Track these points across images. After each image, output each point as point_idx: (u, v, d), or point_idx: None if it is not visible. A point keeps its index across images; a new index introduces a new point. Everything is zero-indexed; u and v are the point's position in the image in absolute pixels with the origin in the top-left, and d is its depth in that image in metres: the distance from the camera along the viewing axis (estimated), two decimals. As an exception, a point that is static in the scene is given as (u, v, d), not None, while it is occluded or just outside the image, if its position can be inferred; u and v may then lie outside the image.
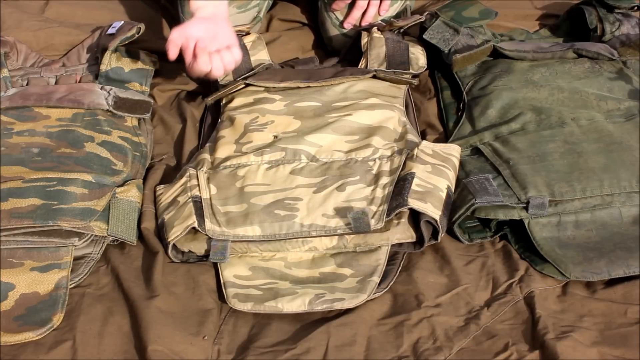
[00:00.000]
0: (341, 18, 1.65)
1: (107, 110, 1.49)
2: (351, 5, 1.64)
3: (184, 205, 1.30)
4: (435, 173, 1.31)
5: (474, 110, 1.48)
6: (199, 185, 1.33)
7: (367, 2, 1.62)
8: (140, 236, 1.32)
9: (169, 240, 1.27)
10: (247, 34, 1.63)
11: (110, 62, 1.57)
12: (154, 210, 1.34)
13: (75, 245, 1.27)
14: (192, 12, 1.48)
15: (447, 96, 1.57)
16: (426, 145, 1.36)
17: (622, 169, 1.33)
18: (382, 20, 1.63)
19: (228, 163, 1.38)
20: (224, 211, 1.30)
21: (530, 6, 1.79)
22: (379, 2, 1.62)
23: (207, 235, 1.27)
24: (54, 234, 1.27)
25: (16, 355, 1.15)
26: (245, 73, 1.55)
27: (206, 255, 1.27)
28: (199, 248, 1.29)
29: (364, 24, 1.64)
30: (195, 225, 1.26)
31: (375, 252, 1.26)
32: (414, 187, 1.27)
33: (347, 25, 1.65)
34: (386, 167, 1.33)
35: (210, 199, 1.31)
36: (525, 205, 1.28)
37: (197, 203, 1.30)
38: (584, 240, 1.28)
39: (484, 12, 1.60)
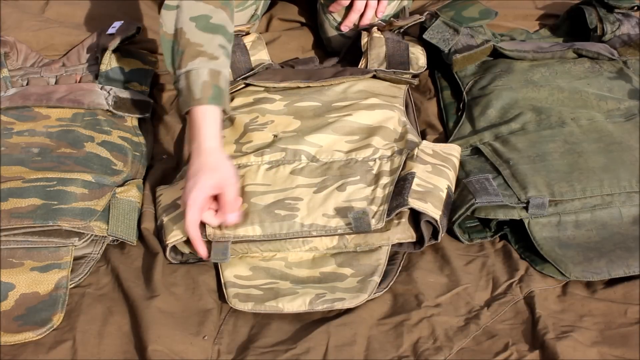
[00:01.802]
0: (339, 19, 1.65)
1: (107, 110, 1.49)
2: (348, 8, 1.63)
3: (184, 209, 1.30)
4: (436, 173, 1.31)
5: (474, 110, 1.48)
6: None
7: (364, 4, 1.62)
8: (141, 236, 1.32)
9: (167, 242, 1.27)
10: (247, 34, 1.63)
11: (110, 62, 1.57)
12: (154, 211, 1.34)
13: (75, 245, 1.27)
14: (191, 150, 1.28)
15: (447, 96, 1.57)
16: (426, 145, 1.36)
17: (622, 169, 1.33)
18: (382, 20, 1.63)
19: (228, 163, 1.38)
20: (225, 212, 1.29)
21: (531, 6, 1.79)
22: (376, 4, 1.62)
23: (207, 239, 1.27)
24: (54, 234, 1.27)
25: (16, 355, 1.15)
26: (245, 73, 1.55)
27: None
28: (200, 249, 1.29)
29: (361, 26, 1.64)
30: None
31: (376, 252, 1.26)
32: (414, 187, 1.27)
33: (345, 28, 1.65)
34: (386, 167, 1.33)
35: None
36: (525, 205, 1.28)
37: None
38: (584, 240, 1.28)
39: (484, 12, 1.60)
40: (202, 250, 1.25)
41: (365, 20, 1.63)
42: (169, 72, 1.34)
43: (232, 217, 1.25)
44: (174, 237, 1.27)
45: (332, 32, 1.68)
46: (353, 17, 1.63)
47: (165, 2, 1.35)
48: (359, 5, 1.62)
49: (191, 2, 1.33)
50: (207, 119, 1.28)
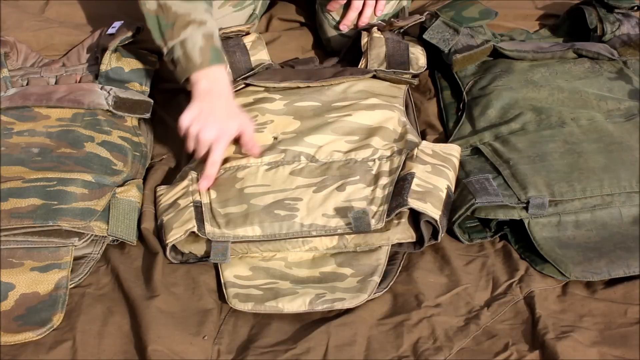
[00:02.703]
0: (338, 19, 1.65)
1: (107, 110, 1.48)
2: (347, 7, 1.63)
3: (184, 208, 1.30)
4: (435, 173, 1.31)
5: (474, 110, 1.48)
6: (199, 189, 1.33)
7: (362, 3, 1.62)
8: (140, 236, 1.32)
9: (167, 242, 1.27)
10: (247, 34, 1.63)
11: (110, 62, 1.57)
12: (154, 211, 1.34)
13: (75, 245, 1.27)
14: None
15: (447, 96, 1.56)
16: (426, 145, 1.36)
17: (622, 169, 1.33)
18: (382, 20, 1.63)
19: (227, 165, 1.38)
20: (224, 213, 1.29)
21: (530, 6, 1.79)
22: (374, 2, 1.62)
23: (207, 237, 1.27)
24: (54, 234, 1.27)
25: (16, 355, 1.15)
26: (245, 73, 1.55)
27: (206, 256, 1.27)
28: (199, 250, 1.29)
29: (360, 25, 1.64)
30: (195, 230, 1.26)
31: (376, 252, 1.26)
32: (413, 187, 1.27)
33: (343, 27, 1.65)
34: (386, 167, 1.33)
35: (210, 203, 1.31)
36: (525, 205, 1.28)
37: (198, 208, 1.30)
38: (584, 240, 1.28)
39: (484, 12, 1.60)
40: (205, 184, 1.33)
41: (364, 19, 1.63)
42: (159, 47, 1.40)
43: (257, 149, 1.36)
44: (173, 236, 1.27)
45: (331, 32, 1.68)
46: (351, 16, 1.63)
47: None
48: (357, 4, 1.62)
49: None
50: (214, 77, 1.36)
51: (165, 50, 1.39)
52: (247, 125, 1.37)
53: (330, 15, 1.66)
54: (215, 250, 1.26)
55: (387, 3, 1.64)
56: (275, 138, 1.41)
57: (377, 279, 1.22)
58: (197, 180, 1.35)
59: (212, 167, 1.34)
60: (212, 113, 1.35)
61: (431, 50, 1.59)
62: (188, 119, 1.35)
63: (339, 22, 1.65)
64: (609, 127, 1.40)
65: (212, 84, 1.36)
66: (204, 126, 1.33)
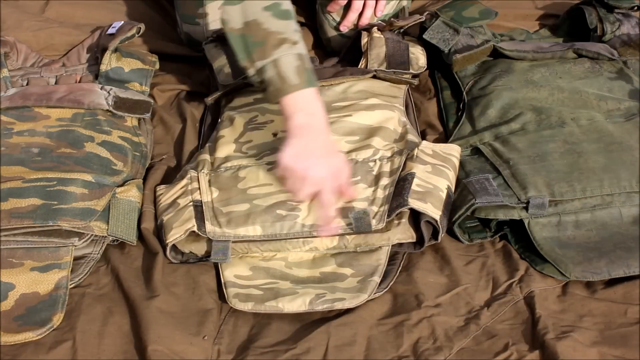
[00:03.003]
0: (338, 19, 1.65)
1: (107, 110, 1.48)
2: (347, 7, 1.63)
3: (184, 208, 1.30)
4: (435, 173, 1.31)
5: (474, 110, 1.48)
6: (199, 188, 1.33)
7: (362, 4, 1.62)
8: (140, 236, 1.32)
9: (167, 241, 1.27)
10: (247, 33, 1.63)
11: (110, 62, 1.57)
12: (153, 211, 1.34)
13: (75, 245, 1.27)
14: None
15: (447, 96, 1.56)
16: (426, 146, 1.35)
17: (622, 169, 1.33)
18: (382, 20, 1.63)
19: (229, 164, 1.37)
20: (226, 212, 1.29)
21: (531, 6, 1.79)
22: (374, 3, 1.62)
23: (207, 237, 1.27)
24: (54, 234, 1.27)
25: (16, 355, 1.15)
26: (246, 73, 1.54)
27: (207, 256, 1.28)
28: (200, 249, 1.29)
29: (360, 25, 1.64)
30: (195, 229, 1.26)
31: (376, 252, 1.26)
32: (414, 187, 1.27)
33: (344, 28, 1.65)
34: (386, 167, 1.33)
35: (212, 202, 1.31)
36: (525, 205, 1.29)
37: (198, 207, 1.30)
38: (584, 240, 1.28)
39: (484, 12, 1.60)
40: (326, 232, 1.26)
41: (364, 20, 1.63)
42: (244, 67, 1.30)
43: (353, 192, 1.28)
44: (173, 235, 1.27)
45: (331, 33, 1.68)
46: (352, 17, 1.63)
47: None
48: (357, 5, 1.62)
49: None
50: (312, 100, 1.27)
51: (252, 71, 1.27)
52: (346, 164, 1.29)
53: (331, 16, 1.66)
54: (215, 249, 1.26)
55: (387, 3, 1.64)
56: (274, 135, 1.41)
57: (377, 279, 1.22)
58: (197, 179, 1.34)
59: (328, 209, 1.24)
60: (315, 150, 1.25)
61: (431, 50, 1.59)
62: (290, 157, 1.24)
63: (339, 23, 1.65)
64: (609, 127, 1.40)
65: (309, 118, 1.26)
66: (312, 164, 1.23)
